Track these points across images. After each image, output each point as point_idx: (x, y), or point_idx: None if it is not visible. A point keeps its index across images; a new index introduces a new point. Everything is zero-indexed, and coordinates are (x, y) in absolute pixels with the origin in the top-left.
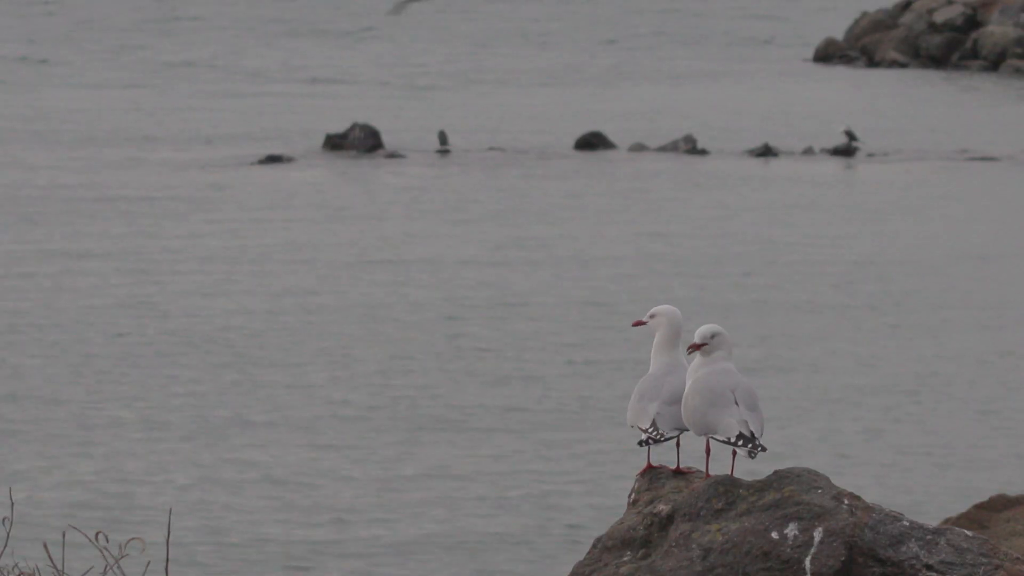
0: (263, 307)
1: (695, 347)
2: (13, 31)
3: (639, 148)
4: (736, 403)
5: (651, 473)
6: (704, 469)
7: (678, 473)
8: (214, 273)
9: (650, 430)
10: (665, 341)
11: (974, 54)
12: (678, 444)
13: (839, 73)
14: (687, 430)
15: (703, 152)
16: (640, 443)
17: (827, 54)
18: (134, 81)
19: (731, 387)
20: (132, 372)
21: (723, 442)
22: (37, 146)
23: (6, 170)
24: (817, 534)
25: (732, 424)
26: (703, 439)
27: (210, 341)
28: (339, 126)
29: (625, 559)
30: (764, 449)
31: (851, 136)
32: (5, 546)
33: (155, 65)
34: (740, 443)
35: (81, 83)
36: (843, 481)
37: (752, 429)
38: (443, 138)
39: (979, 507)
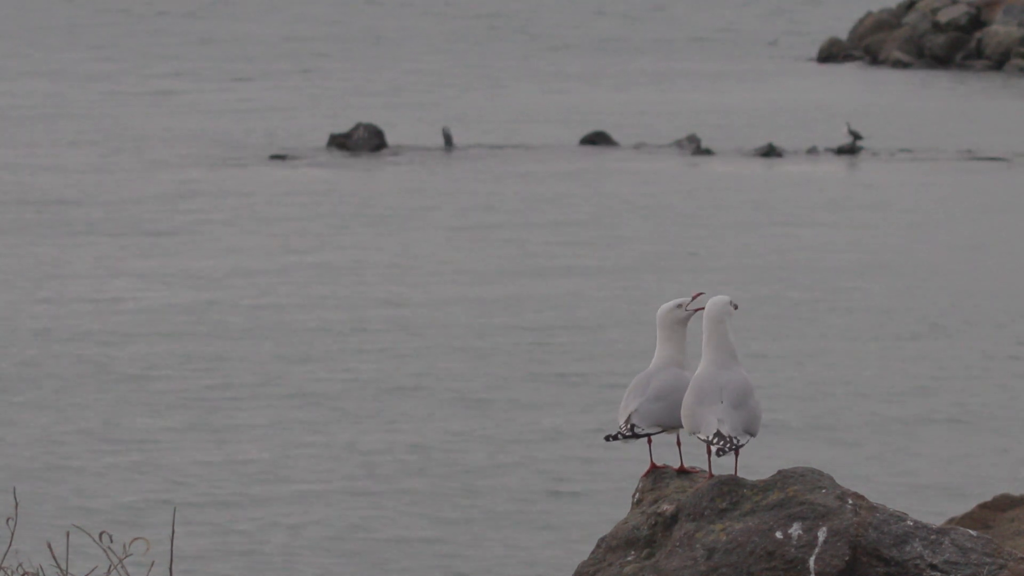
0: (266, 312)
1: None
2: (14, 34)
3: (643, 148)
4: (721, 401)
5: (655, 473)
6: (707, 469)
7: (682, 473)
8: (217, 276)
9: (623, 426)
10: (660, 338)
11: (978, 54)
12: (679, 444)
13: (843, 72)
14: (675, 427)
15: (707, 152)
16: (606, 438)
17: (831, 53)
18: (132, 81)
19: (721, 385)
20: (133, 372)
21: (703, 441)
22: (31, 148)
23: (4, 171)
24: (821, 534)
25: (712, 422)
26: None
27: (215, 344)
28: (343, 125)
29: (629, 559)
30: (734, 448)
31: (855, 135)
32: (9, 546)
33: (152, 65)
34: (715, 440)
35: (79, 75)
36: (847, 481)
37: (727, 427)
38: (447, 137)
39: (983, 507)
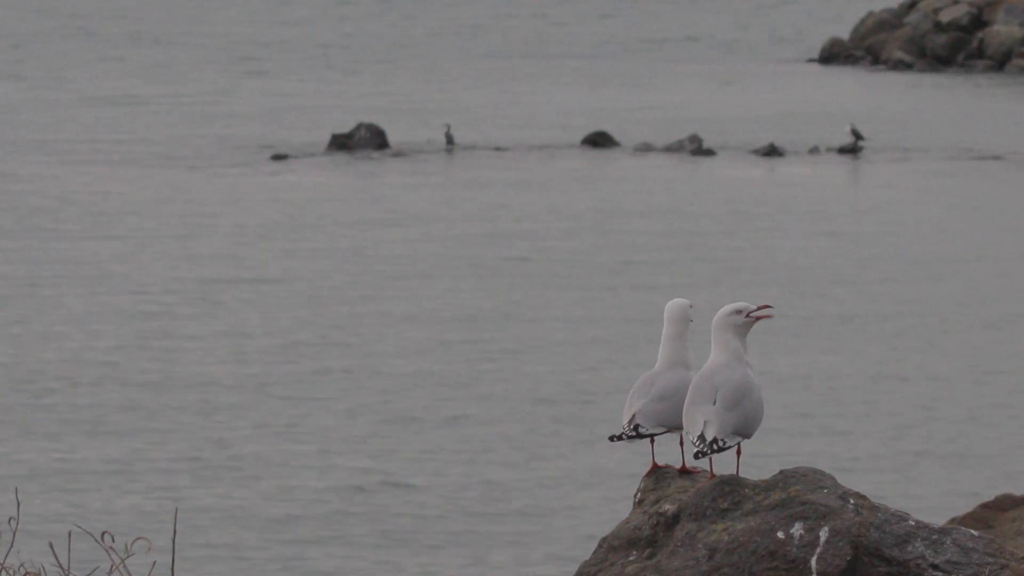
0: (270, 316)
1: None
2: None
3: (645, 148)
4: (714, 402)
5: (657, 473)
6: (709, 468)
7: (684, 473)
8: (223, 280)
9: (627, 426)
10: (668, 335)
11: (980, 54)
12: (681, 444)
13: (844, 73)
14: (678, 428)
15: (709, 152)
16: (610, 438)
17: (832, 54)
18: (129, 83)
19: (717, 385)
20: (134, 373)
21: (692, 441)
22: (31, 153)
23: (22, 179)
24: (823, 533)
25: (699, 423)
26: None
27: (210, 347)
28: (345, 126)
29: (631, 559)
30: (713, 452)
31: (857, 135)
32: (11, 546)
33: (151, 66)
34: (696, 443)
35: (81, 82)
36: (849, 480)
37: (713, 429)
38: (449, 137)
39: (985, 507)
